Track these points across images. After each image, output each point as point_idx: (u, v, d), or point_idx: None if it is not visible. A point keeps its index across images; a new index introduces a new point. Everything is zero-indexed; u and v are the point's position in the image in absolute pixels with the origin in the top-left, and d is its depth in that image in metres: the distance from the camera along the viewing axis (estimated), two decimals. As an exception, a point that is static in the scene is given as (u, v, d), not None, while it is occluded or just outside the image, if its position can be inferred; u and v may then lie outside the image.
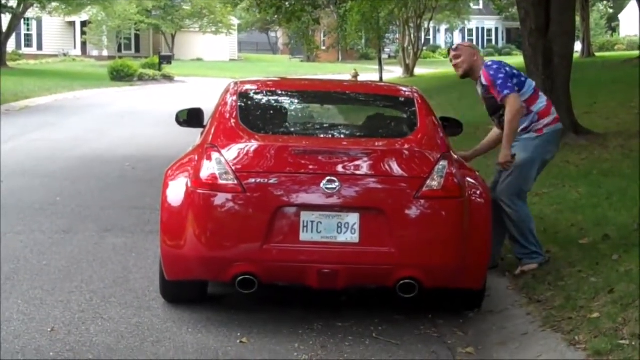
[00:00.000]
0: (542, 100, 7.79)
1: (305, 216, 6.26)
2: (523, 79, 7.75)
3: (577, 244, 8.19)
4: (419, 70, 49.36)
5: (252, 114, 7.38)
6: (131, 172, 14.41)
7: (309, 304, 7.03)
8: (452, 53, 7.87)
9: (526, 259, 7.71)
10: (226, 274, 6.33)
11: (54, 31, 67.08)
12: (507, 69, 7.66)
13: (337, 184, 6.27)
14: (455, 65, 7.85)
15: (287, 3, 23.33)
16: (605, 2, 72.33)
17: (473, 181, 6.87)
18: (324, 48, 66.19)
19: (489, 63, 7.74)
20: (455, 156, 6.95)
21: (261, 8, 24.37)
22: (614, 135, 15.02)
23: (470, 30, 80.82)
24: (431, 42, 76.83)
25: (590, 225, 8.83)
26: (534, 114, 7.67)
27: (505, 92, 7.45)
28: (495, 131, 8.14)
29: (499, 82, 7.48)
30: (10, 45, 56.28)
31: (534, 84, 7.89)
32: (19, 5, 48.21)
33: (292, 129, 7.47)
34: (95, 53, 66.03)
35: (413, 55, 48.31)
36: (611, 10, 79.85)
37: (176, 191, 6.62)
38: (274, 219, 6.24)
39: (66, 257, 8.47)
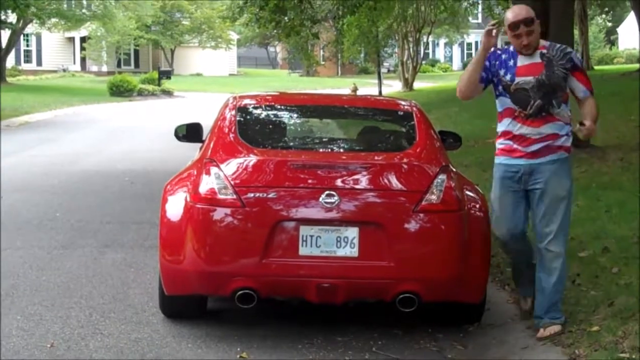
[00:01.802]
0: None
1: (305, 230, 6.25)
2: None
3: (577, 257, 8.17)
4: (418, 84, 49.41)
5: (251, 129, 7.39)
6: (130, 187, 14.41)
7: (308, 319, 7.02)
8: (524, 29, 6.15)
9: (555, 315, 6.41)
10: (225, 289, 6.32)
11: (53, 47, 67.20)
12: None
13: (336, 198, 6.27)
14: (527, 45, 6.20)
15: (286, 18, 23.35)
16: (603, 16, 72.41)
17: (472, 194, 6.88)
18: (323, 63, 66.28)
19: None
20: (454, 170, 6.94)
21: (260, 23, 24.38)
22: (613, 148, 15.02)
23: (469, 44, 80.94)
24: (430, 56, 76.95)
25: (590, 238, 8.82)
26: (571, 128, 6.38)
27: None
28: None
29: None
30: (10, 61, 56.44)
31: None
32: (18, 21, 48.28)
33: (291, 144, 7.47)
34: (94, 68, 66.12)
35: (412, 69, 48.34)
36: (610, 24, 79.98)
37: (175, 206, 6.62)
38: (273, 233, 6.24)
39: (65, 272, 8.46)
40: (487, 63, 6.34)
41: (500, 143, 6.42)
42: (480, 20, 73.88)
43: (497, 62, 6.34)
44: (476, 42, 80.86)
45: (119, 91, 45.45)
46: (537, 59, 6.25)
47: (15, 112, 30.98)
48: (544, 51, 6.27)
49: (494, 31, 6.16)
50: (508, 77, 6.27)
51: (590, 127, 6.13)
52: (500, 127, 6.41)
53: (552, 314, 6.30)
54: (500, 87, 6.35)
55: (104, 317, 7.00)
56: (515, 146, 6.29)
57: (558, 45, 6.38)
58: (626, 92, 22.69)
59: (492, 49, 6.33)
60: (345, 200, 6.31)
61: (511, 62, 6.29)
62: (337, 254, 6.25)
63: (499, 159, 6.44)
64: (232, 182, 6.35)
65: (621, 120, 18.74)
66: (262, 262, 6.21)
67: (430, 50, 73.99)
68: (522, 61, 6.27)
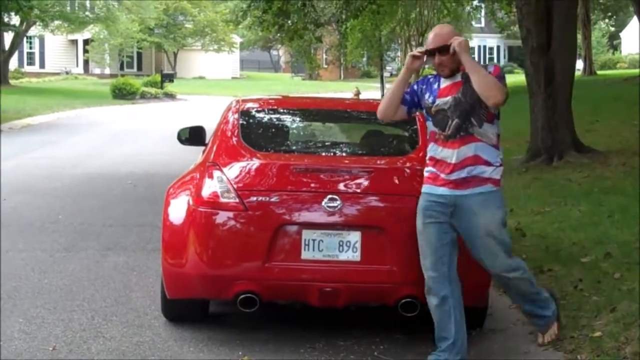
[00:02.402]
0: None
1: (307, 234, 6.25)
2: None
3: (579, 262, 8.17)
4: (420, 88, 49.32)
5: (254, 132, 7.39)
6: (133, 190, 14.42)
7: (310, 323, 7.02)
8: (438, 57, 6.03)
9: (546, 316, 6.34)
10: (227, 293, 6.32)
11: (56, 49, 67.27)
12: None
13: (338, 202, 6.27)
14: (439, 65, 6.06)
15: (289, 21, 23.36)
16: (606, 20, 72.43)
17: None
18: (325, 66, 66.28)
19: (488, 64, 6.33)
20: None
21: (263, 26, 24.40)
22: (616, 153, 15.02)
23: (472, 49, 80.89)
24: (433, 60, 76.88)
25: (592, 243, 8.81)
26: (500, 155, 6.05)
27: (506, 88, 5.91)
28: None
29: (504, 82, 5.95)
30: (13, 63, 56.55)
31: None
32: (21, 23, 48.37)
33: (294, 147, 7.47)
34: (97, 71, 66.17)
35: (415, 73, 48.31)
36: (613, 28, 79.96)
37: (178, 209, 6.62)
38: (275, 237, 6.23)
39: (67, 275, 8.46)
40: (415, 87, 6.18)
41: (425, 171, 6.08)
42: (483, 25, 73.95)
43: (424, 87, 6.14)
44: (479, 47, 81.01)
45: (122, 94, 45.47)
46: (458, 79, 5.99)
47: (18, 115, 31.01)
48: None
49: (419, 55, 6.07)
50: (430, 99, 6.05)
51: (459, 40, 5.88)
52: (428, 153, 6.11)
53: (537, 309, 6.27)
54: (425, 112, 6.16)
55: (106, 320, 7.00)
56: (438, 173, 5.96)
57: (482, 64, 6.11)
58: (629, 97, 22.71)
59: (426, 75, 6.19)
60: (348, 204, 6.31)
61: (435, 85, 6.09)
62: (340, 258, 6.25)
63: (423, 188, 6.06)
64: (235, 186, 6.35)
65: (624, 125, 18.77)
66: (265, 266, 6.21)
67: (433, 54, 73.81)
68: (444, 83, 6.04)
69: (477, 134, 5.90)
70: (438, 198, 5.94)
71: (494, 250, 5.95)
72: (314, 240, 6.24)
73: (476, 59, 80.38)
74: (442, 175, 5.93)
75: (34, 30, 55.89)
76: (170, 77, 53.77)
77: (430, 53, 6.01)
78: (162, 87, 50.22)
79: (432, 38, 6.05)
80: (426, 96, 6.09)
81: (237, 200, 6.29)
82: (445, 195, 5.92)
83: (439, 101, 6.00)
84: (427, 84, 6.15)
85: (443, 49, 5.94)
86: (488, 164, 5.91)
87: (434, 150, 6.02)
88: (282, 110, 8.09)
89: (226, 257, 6.29)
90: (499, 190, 5.96)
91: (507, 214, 6.34)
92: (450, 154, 5.91)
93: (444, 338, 6.01)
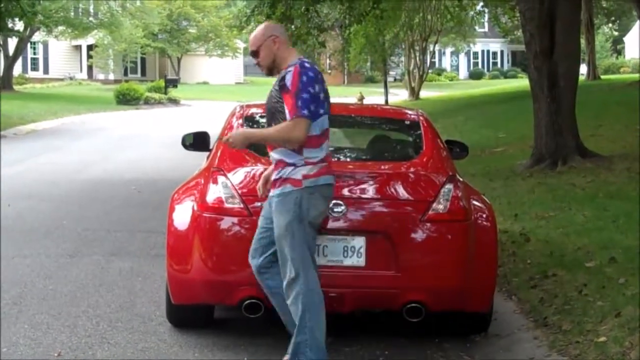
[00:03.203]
0: (323, 153, 5.83)
1: (312, 240, 6.24)
2: (322, 111, 5.80)
3: (584, 267, 8.17)
4: (424, 93, 49.44)
5: (258, 138, 7.38)
6: (137, 195, 14.43)
7: (315, 328, 7.01)
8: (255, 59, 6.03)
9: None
10: (232, 298, 6.32)
11: (60, 55, 67.36)
12: (317, 87, 5.74)
13: (343, 207, 6.27)
14: (257, 64, 6.07)
15: (293, 26, 23.38)
16: (610, 25, 72.41)
17: (479, 204, 6.87)
18: (329, 71, 66.28)
19: (309, 65, 5.81)
20: (461, 179, 6.94)
21: (267, 31, 24.47)
22: (620, 157, 15.02)
23: (475, 53, 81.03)
24: (437, 64, 76.97)
25: (597, 248, 8.81)
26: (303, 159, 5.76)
27: (304, 112, 5.64)
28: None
29: (304, 96, 5.65)
30: (17, 69, 56.56)
31: (326, 126, 5.86)
32: (25, 29, 48.39)
33: (298, 153, 7.47)
34: (101, 77, 66.26)
35: (418, 78, 48.38)
36: (616, 33, 79.94)
37: (182, 215, 6.63)
38: (280, 242, 6.23)
39: (72, 281, 8.47)
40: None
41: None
42: (486, 30, 74.00)
43: None
44: (483, 51, 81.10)
45: (126, 99, 45.55)
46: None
47: (22, 120, 31.07)
48: (284, 71, 5.80)
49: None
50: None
51: (230, 135, 5.90)
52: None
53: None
54: None
55: (111, 326, 7.00)
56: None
57: (296, 61, 5.81)
58: (633, 102, 22.69)
59: None
60: (352, 209, 6.31)
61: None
62: (344, 264, 6.25)
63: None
64: (240, 191, 6.36)
65: (628, 129, 18.76)
66: (269, 271, 6.21)
67: (436, 59, 73.95)
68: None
69: None
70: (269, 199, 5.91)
71: (280, 256, 5.84)
72: (318, 245, 6.24)
73: (480, 64, 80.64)
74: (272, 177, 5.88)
75: (37, 36, 56.00)
76: (174, 83, 53.83)
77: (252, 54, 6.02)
78: (166, 93, 50.30)
79: (250, 41, 6.03)
80: (324, 86, 5.89)
81: (242, 205, 6.30)
82: (269, 197, 5.90)
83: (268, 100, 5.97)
84: (319, 73, 5.91)
85: (254, 54, 5.96)
86: (289, 167, 5.75)
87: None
88: (286, 116, 8.08)
89: (231, 262, 6.30)
90: (297, 192, 5.69)
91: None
92: (270, 157, 5.92)
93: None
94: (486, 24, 69.02)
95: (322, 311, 5.79)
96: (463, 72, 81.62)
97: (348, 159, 7.58)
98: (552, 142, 15.02)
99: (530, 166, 15.15)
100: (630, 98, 24.55)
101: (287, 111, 5.65)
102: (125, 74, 66.30)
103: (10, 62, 50.45)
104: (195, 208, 6.50)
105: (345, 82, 75.07)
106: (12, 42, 50.15)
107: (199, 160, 8.18)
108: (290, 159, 5.73)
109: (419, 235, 6.33)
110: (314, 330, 5.73)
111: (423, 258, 6.32)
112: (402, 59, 54.52)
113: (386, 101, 41.57)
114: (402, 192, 6.48)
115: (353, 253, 6.26)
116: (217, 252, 6.32)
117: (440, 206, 6.37)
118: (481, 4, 40.82)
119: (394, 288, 6.29)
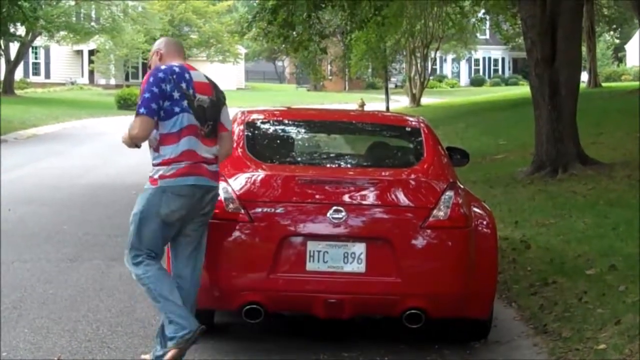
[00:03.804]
0: (179, 149, 5.93)
1: (312, 246, 6.26)
2: (178, 109, 5.90)
3: (584, 274, 8.17)
4: (425, 100, 49.48)
5: (259, 144, 7.41)
6: (138, 200, 14.40)
7: (314, 334, 7.03)
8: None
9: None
10: (233, 303, 6.33)
11: (61, 60, 67.38)
12: (169, 87, 5.92)
13: (343, 213, 6.27)
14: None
15: (294, 32, 23.41)
16: (611, 33, 72.43)
17: (479, 211, 6.88)
18: (330, 78, 66.34)
19: (162, 67, 6.08)
20: (461, 186, 6.94)
21: (269, 37, 24.47)
22: (621, 165, 15.03)
23: (476, 60, 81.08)
24: (438, 71, 77.00)
25: (597, 255, 8.82)
26: (160, 157, 5.99)
27: (141, 110, 5.87)
28: None
29: (145, 95, 5.88)
30: (18, 73, 56.59)
31: (186, 123, 5.92)
32: (27, 33, 48.46)
33: (299, 159, 7.50)
34: (102, 81, 66.28)
35: (420, 84, 48.44)
36: (617, 41, 79.99)
37: (183, 220, 6.62)
38: (280, 248, 6.25)
39: (72, 285, 8.47)
40: (158, 89, 5.94)
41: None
42: (488, 37, 74.02)
43: (173, 77, 6.05)
44: (484, 58, 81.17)
45: (127, 104, 45.49)
46: (203, 79, 6.34)
47: (24, 125, 31.09)
48: None
49: None
50: (191, 91, 6.04)
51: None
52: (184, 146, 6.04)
53: None
54: (178, 100, 5.98)
55: (111, 331, 7.01)
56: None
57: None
58: (634, 110, 22.69)
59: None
60: (353, 215, 6.32)
61: (187, 75, 6.12)
62: (345, 270, 6.26)
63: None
64: (240, 197, 6.36)
65: (628, 137, 18.77)
66: (270, 277, 6.22)
67: (437, 66, 74.00)
68: (196, 77, 6.21)
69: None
70: None
71: None
72: (319, 251, 6.25)
73: (481, 71, 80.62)
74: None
75: (39, 41, 55.99)
76: (175, 88, 53.69)
77: None
78: (167, 98, 50.19)
79: None
80: (183, 85, 5.98)
81: (242, 211, 6.30)
82: None
83: (198, 96, 6.03)
84: (174, 73, 6.02)
85: (149, 67, 6.37)
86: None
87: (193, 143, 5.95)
88: (287, 122, 8.11)
89: (231, 268, 6.30)
90: (150, 189, 6.05)
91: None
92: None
93: None
94: (487, 31, 69.08)
95: (165, 278, 5.96)
96: (464, 79, 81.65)
97: (349, 165, 7.59)
98: (553, 150, 15.04)
99: (530, 173, 15.16)
100: (631, 106, 24.56)
101: None
102: (127, 79, 66.29)
103: (11, 67, 50.46)
104: (196, 213, 6.49)
105: (347, 88, 75.11)
106: (14, 47, 50.20)
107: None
108: (154, 159, 6.05)
109: (419, 242, 6.33)
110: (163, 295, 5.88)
111: (423, 265, 6.32)
112: (404, 65, 54.63)
113: (387, 108, 41.59)
114: (402, 199, 6.49)
115: (353, 259, 6.27)
116: (218, 257, 6.32)
117: (440, 213, 6.37)
118: (483, 11, 40.87)
119: (394, 294, 6.29)
